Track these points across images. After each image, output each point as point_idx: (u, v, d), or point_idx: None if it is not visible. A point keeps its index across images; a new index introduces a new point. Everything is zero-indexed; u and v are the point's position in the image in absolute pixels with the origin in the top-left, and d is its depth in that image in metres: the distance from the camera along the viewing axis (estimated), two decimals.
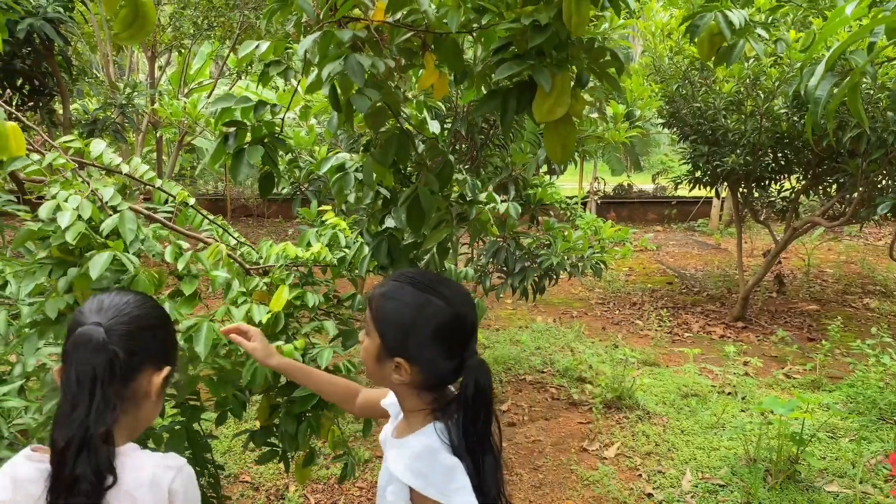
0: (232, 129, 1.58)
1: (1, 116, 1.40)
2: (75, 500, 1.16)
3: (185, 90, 10.70)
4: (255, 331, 1.75)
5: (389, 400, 1.55)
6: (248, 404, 2.11)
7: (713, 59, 1.67)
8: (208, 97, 10.49)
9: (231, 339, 1.76)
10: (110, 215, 1.95)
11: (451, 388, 1.39)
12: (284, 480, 3.88)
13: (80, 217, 1.74)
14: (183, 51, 9.99)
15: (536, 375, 5.84)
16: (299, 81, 1.51)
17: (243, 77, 11.08)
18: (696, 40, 1.60)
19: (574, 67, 1.11)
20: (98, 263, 1.78)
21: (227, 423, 2.17)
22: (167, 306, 1.95)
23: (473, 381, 1.28)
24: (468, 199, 1.66)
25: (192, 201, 2.09)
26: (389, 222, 1.74)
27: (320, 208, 2.09)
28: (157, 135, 9.46)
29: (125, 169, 2.21)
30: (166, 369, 1.31)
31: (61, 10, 6.57)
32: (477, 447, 1.29)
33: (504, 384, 5.64)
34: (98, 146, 2.19)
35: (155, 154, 11.03)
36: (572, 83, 1.07)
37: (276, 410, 2.13)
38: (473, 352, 1.32)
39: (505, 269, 4.05)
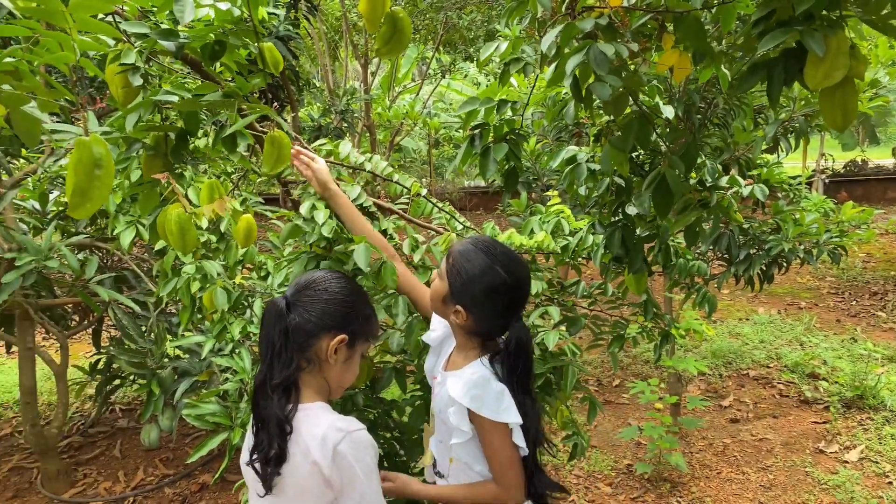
0: (477, 131, 1.67)
1: (286, 128, 1.59)
2: (265, 437, 1.39)
3: (394, 93, 11.37)
4: (320, 161, 1.89)
5: (434, 335, 1.82)
6: None
7: None
8: (414, 98, 11.04)
9: (295, 164, 1.88)
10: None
11: (500, 340, 1.65)
12: None
13: (331, 216, 1.94)
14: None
15: (761, 370, 5.44)
16: (537, 77, 1.55)
17: (446, 76, 11.51)
18: None
19: (848, 26, 1.02)
20: (360, 254, 1.97)
21: None
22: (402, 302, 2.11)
23: (516, 338, 1.56)
24: (708, 184, 1.59)
25: (423, 192, 2.24)
26: (630, 210, 1.72)
27: (549, 195, 2.13)
28: (369, 136, 10.17)
29: (368, 166, 2.42)
30: (340, 336, 1.45)
31: (290, 28, 7.30)
32: (517, 389, 1.56)
33: (724, 378, 5.33)
34: (346, 147, 2.43)
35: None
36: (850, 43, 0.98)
37: None
38: (519, 317, 1.60)
39: (727, 256, 3.81)
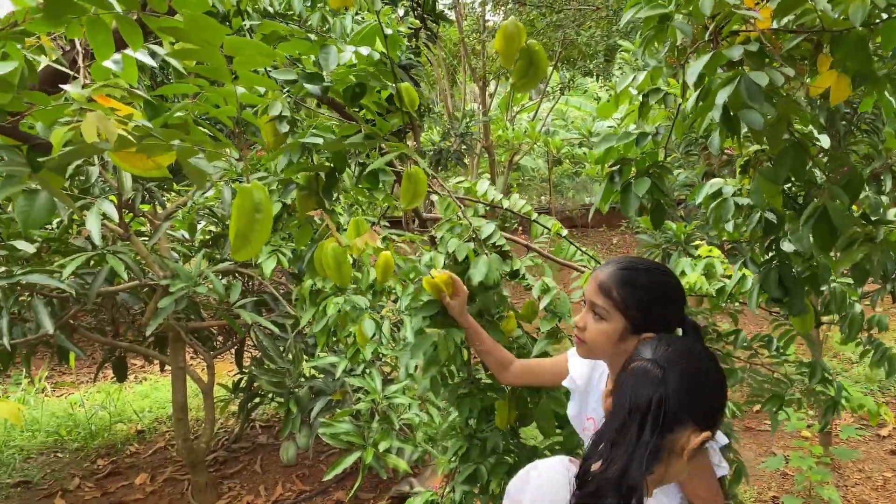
0: (616, 167, 1.64)
1: (424, 164, 1.64)
2: None
3: (512, 113, 11.42)
4: (463, 290, 1.90)
5: (580, 380, 1.77)
6: None
7: None
8: (533, 117, 11.04)
9: (436, 287, 1.87)
10: (485, 253, 2.16)
11: None
12: None
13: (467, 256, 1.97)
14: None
15: None
16: (679, 105, 1.50)
17: (564, 93, 11.43)
18: None
19: None
20: (479, 268, 1.98)
21: None
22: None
23: (692, 327, 1.47)
24: (873, 217, 1.46)
25: (564, 232, 2.22)
26: (786, 246, 1.62)
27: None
28: (488, 157, 10.25)
29: (505, 204, 2.44)
30: (705, 434, 1.21)
31: (412, 56, 7.53)
32: None
33: (881, 405, 4.88)
34: (483, 185, 2.46)
35: (489, 174, 11.95)
36: None
37: None
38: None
39: (882, 273, 3.50)
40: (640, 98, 1.56)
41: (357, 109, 1.77)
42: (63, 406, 5.89)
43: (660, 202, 1.54)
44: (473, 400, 2.07)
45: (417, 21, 6.67)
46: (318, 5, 3.20)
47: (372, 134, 1.59)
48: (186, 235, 4.34)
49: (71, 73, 1.29)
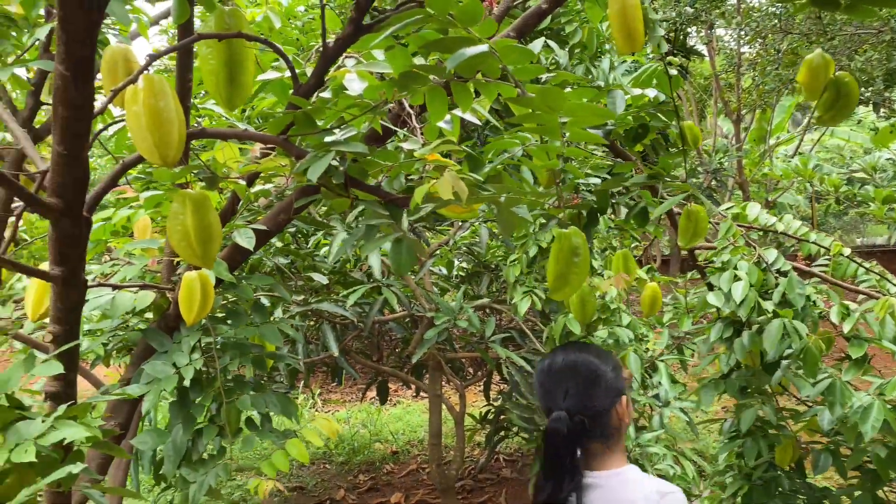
0: None
1: (708, 206, 1.61)
2: None
3: (766, 146, 10.59)
4: None
5: None
6: None
7: None
8: (796, 150, 10.14)
9: None
10: (775, 277, 2.04)
11: None
12: None
13: (751, 286, 1.87)
14: (767, 108, 9.96)
15: None
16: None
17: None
18: None
19: None
20: (771, 334, 1.86)
21: None
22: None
23: None
24: None
25: (846, 251, 2.04)
26: None
27: None
28: (742, 194, 9.59)
29: (779, 227, 2.30)
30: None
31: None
32: None
33: None
34: (753, 209, 2.35)
35: None
36: None
37: None
38: None
39: None
40: None
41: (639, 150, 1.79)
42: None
43: None
44: (756, 439, 1.98)
45: (676, 59, 6.54)
46: (580, 57, 3.29)
47: (655, 174, 1.59)
48: (444, 271, 4.65)
49: (395, 129, 1.47)
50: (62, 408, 1.26)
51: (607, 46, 4.10)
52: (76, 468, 1.14)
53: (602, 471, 1.46)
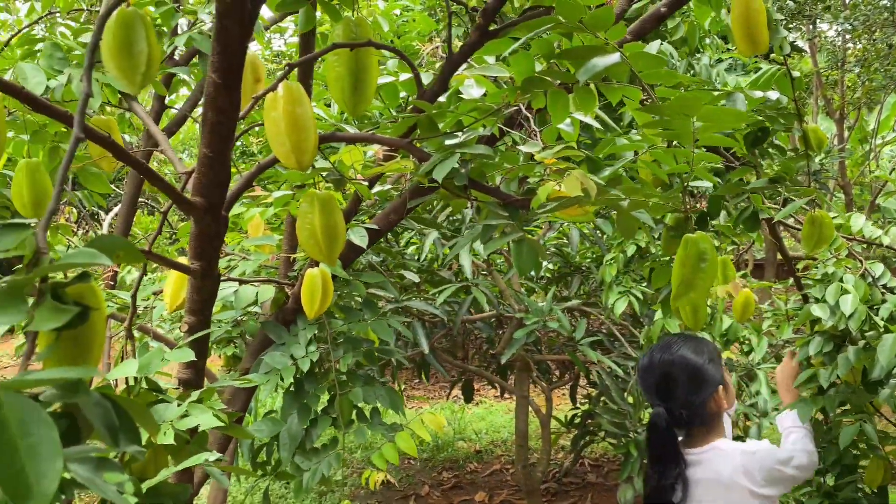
0: None
1: (835, 212, 1.55)
2: None
3: (872, 145, 9.99)
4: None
5: None
6: None
7: None
8: None
9: None
10: (882, 293, 1.95)
11: None
12: None
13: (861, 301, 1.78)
14: (872, 106, 9.41)
15: None
16: None
17: None
18: None
19: None
20: (886, 347, 1.78)
21: None
22: None
23: None
24: None
25: None
26: None
27: None
28: (844, 197, 9.10)
29: (885, 240, 2.19)
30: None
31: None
32: None
33: None
34: (858, 220, 2.24)
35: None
36: None
37: None
38: None
39: None
40: None
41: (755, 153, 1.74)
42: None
43: None
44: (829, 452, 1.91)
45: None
46: (681, 54, 3.22)
47: (777, 178, 1.55)
48: (532, 272, 4.64)
49: (509, 130, 1.49)
50: (195, 394, 1.34)
51: (707, 41, 3.99)
52: (212, 456, 1.21)
53: (702, 447, 1.71)
